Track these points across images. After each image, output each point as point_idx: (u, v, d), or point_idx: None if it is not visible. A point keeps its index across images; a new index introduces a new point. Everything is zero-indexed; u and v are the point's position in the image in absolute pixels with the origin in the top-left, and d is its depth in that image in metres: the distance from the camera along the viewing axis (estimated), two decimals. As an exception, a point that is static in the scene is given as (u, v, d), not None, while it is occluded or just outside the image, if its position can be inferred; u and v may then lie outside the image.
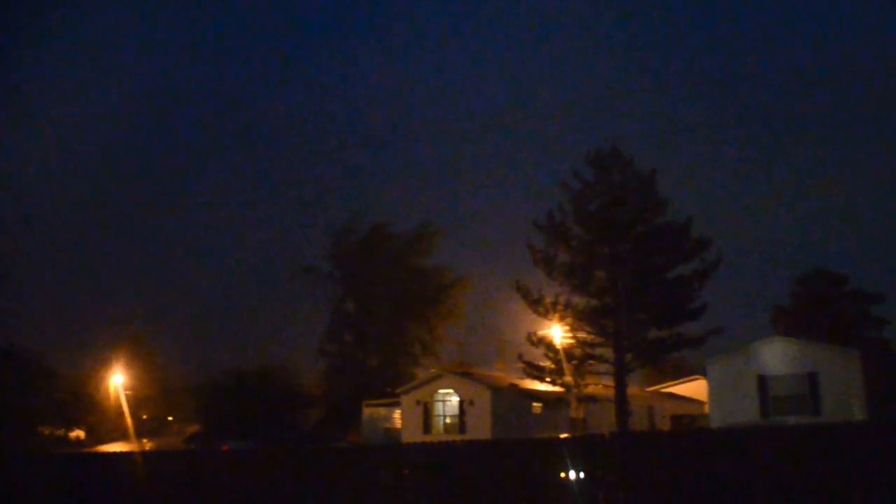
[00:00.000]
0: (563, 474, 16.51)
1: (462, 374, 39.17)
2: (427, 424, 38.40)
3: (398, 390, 40.89)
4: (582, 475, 16.41)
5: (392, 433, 41.32)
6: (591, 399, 33.09)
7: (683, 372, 42.30)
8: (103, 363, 64.17)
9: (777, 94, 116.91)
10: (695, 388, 38.77)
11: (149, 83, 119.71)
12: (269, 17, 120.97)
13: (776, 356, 28.87)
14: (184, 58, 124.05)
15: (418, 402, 38.83)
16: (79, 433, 69.68)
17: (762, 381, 28.54)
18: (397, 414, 41.38)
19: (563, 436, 25.48)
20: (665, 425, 36.85)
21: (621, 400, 31.87)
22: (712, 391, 30.21)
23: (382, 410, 43.49)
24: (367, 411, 44.52)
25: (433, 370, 43.17)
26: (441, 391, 38.48)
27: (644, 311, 32.28)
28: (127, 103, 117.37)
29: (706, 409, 33.18)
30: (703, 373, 32.72)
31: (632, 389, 33.71)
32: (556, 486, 16.79)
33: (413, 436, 37.03)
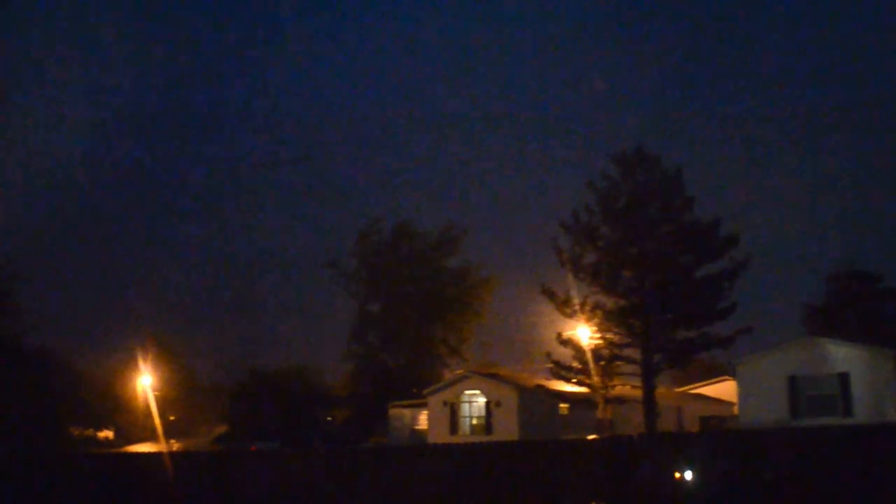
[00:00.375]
0: (677, 474, 16.64)
1: (488, 374, 39.19)
2: (454, 425, 38.47)
3: (425, 391, 40.99)
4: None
5: (418, 434, 41.43)
6: (619, 400, 32.89)
7: (712, 372, 41.91)
8: (131, 364, 65.02)
9: (809, 89, 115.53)
10: (724, 389, 38.43)
11: (173, 77, 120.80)
12: (297, 13, 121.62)
13: (806, 356, 28.61)
14: (215, 55, 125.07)
15: (445, 403, 38.89)
16: (107, 433, 70.67)
17: (792, 382, 28.30)
18: (423, 415, 41.47)
19: (590, 437, 25.43)
20: (694, 427, 36.58)
21: (649, 401, 31.64)
22: (741, 392, 30.00)
23: (408, 411, 43.61)
24: (393, 412, 44.65)
25: (459, 371, 43.25)
26: (467, 392, 38.51)
27: (672, 310, 32.01)
28: (151, 95, 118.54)
29: (735, 410, 32.88)
30: (731, 373, 32.40)
31: (660, 390, 33.46)
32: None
33: (439, 437, 37.14)
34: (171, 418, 70.73)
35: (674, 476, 16.76)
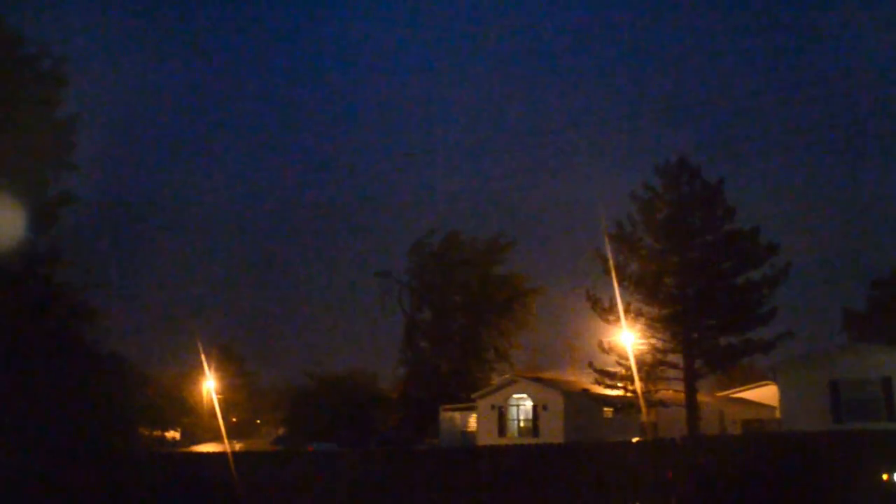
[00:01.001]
0: (885, 475, 16.30)
1: (535, 379, 40.14)
2: (502, 428, 39.60)
3: (474, 395, 42.15)
4: None
5: (468, 437, 42.64)
6: (662, 404, 33.68)
7: (754, 377, 42.26)
8: (196, 368, 67.74)
9: (850, 96, 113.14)
10: (765, 394, 38.78)
11: (231, 90, 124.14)
12: (347, 23, 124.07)
13: (849, 361, 28.91)
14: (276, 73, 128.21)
15: (493, 407, 40.06)
16: (174, 434, 73.53)
17: (834, 387, 28.60)
18: (473, 418, 42.65)
19: (634, 440, 26.41)
20: (736, 430, 37.13)
21: (692, 405, 32.44)
22: (783, 396, 30.38)
23: (458, 414, 44.83)
24: (443, 415, 45.96)
25: (507, 375, 44.25)
26: (515, 396, 39.58)
27: (714, 317, 32.73)
28: (206, 111, 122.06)
29: (777, 414, 33.37)
30: (773, 378, 32.94)
31: (702, 395, 34.13)
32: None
33: (488, 439, 38.30)
34: (234, 420, 73.28)
35: (882, 478, 16.31)
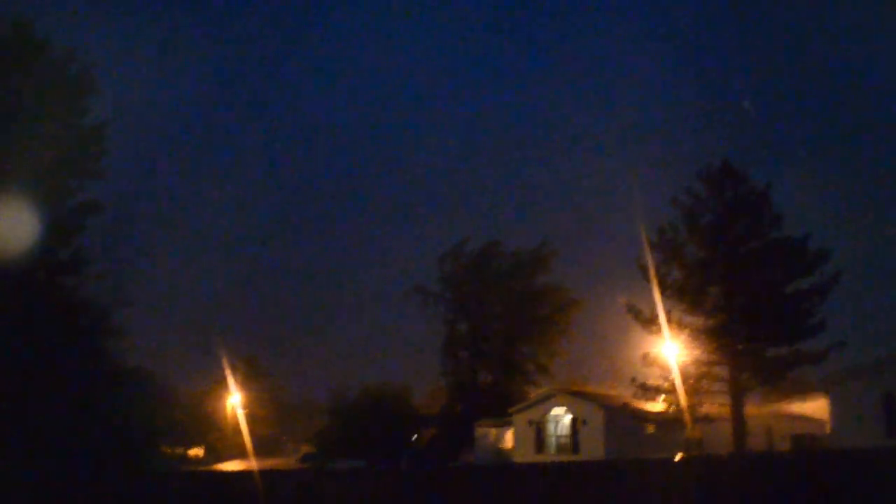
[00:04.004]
0: None
1: (574, 393, 39.16)
2: (539, 444, 38.55)
3: (511, 410, 41.19)
4: None
5: (504, 453, 41.61)
6: (707, 419, 32.47)
7: (804, 390, 40.74)
8: (221, 383, 67.11)
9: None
10: (816, 408, 37.29)
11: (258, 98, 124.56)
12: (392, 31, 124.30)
13: (904, 373, 27.74)
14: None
15: (531, 422, 39.02)
16: (198, 451, 72.88)
17: (888, 400, 27.44)
18: (509, 434, 41.65)
19: (677, 457, 25.24)
20: (784, 446, 35.73)
21: (738, 420, 31.21)
22: (834, 410, 29.26)
23: (494, 430, 43.83)
24: (479, 431, 44.93)
25: (545, 389, 43.33)
26: (553, 411, 38.57)
27: (761, 327, 31.56)
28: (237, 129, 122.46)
29: (828, 428, 32.07)
30: (824, 391, 31.62)
31: (749, 408, 32.91)
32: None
33: (525, 456, 37.30)
34: (260, 435, 72.27)
35: None
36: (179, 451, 67.85)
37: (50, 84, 28.07)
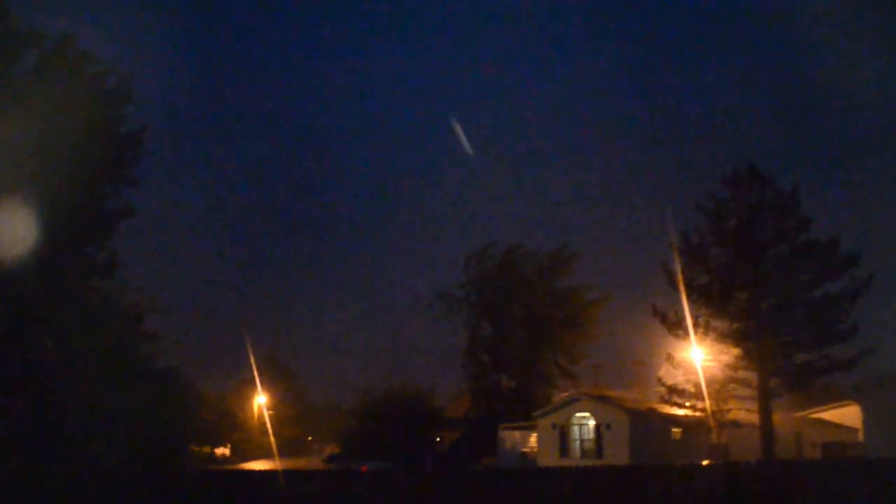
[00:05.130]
0: None
1: (599, 397, 38.89)
2: (563, 448, 38.34)
3: (534, 413, 41.06)
4: None
5: (527, 457, 41.49)
6: (734, 425, 32.16)
7: (835, 397, 40.16)
8: (248, 383, 67.65)
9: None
10: (847, 415, 36.72)
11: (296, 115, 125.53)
12: (414, 37, 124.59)
13: (940, 380, 27.23)
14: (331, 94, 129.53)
15: (554, 426, 38.85)
16: (224, 451, 73.49)
17: (922, 408, 26.96)
18: (533, 437, 41.53)
19: (703, 463, 25.01)
20: (814, 454, 35.23)
21: (766, 426, 30.88)
22: (866, 417, 28.71)
23: (518, 434, 43.73)
24: (502, 434, 44.86)
25: (569, 393, 43.12)
26: (577, 415, 38.35)
27: (790, 332, 31.25)
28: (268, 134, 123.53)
29: (860, 436, 31.56)
30: (856, 398, 31.11)
31: (778, 415, 32.53)
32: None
33: (549, 460, 37.15)
34: (285, 436, 72.70)
35: None
36: (206, 450, 68.45)
37: (89, 93, 28.66)
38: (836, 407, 39.40)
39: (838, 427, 38.36)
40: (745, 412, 32.13)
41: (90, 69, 28.66)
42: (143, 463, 28.74)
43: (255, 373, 57.18)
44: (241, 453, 70.24)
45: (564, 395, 43.18)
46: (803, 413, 41.38)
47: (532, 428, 41.38)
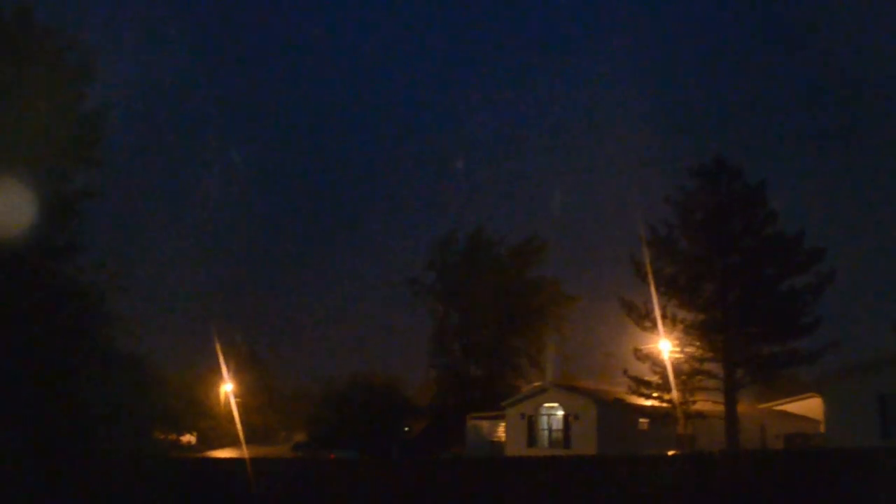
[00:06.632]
0: None
1: (567, 387, 39.04)
2: (531, 438, 38.45)
3: (503, 403, 41.10)
4: None
5: (495, 446, 41.54)
6: (700, 416, 32.43)
7: (798, 389, 40.76)
8: (213, 370, 66.95)
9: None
10: (810, 407, 37.28)
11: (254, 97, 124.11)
12: (379, 22, 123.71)
13: (899, 374, 27.59)
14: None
15: (523, 416, 38.93)
16: (190, 438, 72.75)
17: (883, 401, 27.27)
18: (501, 427, 41.58)
19: (669, 453, 25.15)
20: (777, 444, 35.71)
21: (731, 417, 31.13)
22: (828, 410, 29.08)
23: (486, 423, 43.77)
24: (470, 423, 44.88)
25: (538, 383, 43.21)
26: (546, 405, 38.46)
27: (755, 325, 31.49)
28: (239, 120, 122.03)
29: (822, 428, 32.02)
30: (818, 390, 31.53)
31: (742, 406, 32.86)
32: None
33: (517, 449, 37.25)
34: (252, 424, 72.06)
35: None
36: (172, 437, 67.68)
37: (49, 70, 27.89)
38: (799, 399, 39.99)
39: (801, 419, 38.96)
40: (711, 403, 32.42)
41: (50, 44, 27.85)
42: (104, 449, 28.34)
43: (222, 359, 56.52)
44: (208, 441, 69.58)
45: (534, 385, 43.24)
46: (767, 405, 41.98)
47: (500, 417, 41.43)
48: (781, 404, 41.90)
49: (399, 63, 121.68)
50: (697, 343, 32.00)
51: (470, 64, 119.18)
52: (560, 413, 37.67)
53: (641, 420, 36.27)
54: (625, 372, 33.88)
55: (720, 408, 31.54)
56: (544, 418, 38.53)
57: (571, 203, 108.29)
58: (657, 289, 32.49)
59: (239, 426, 56.15)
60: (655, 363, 32.70)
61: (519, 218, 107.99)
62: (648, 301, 32.51)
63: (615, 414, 35.87)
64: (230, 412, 62.65)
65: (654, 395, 33.01)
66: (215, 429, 70.07)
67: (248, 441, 54.69)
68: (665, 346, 32.54)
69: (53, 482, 24.68)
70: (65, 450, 26.29)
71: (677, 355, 32.34)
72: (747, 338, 31.48)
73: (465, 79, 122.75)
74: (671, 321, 32.01)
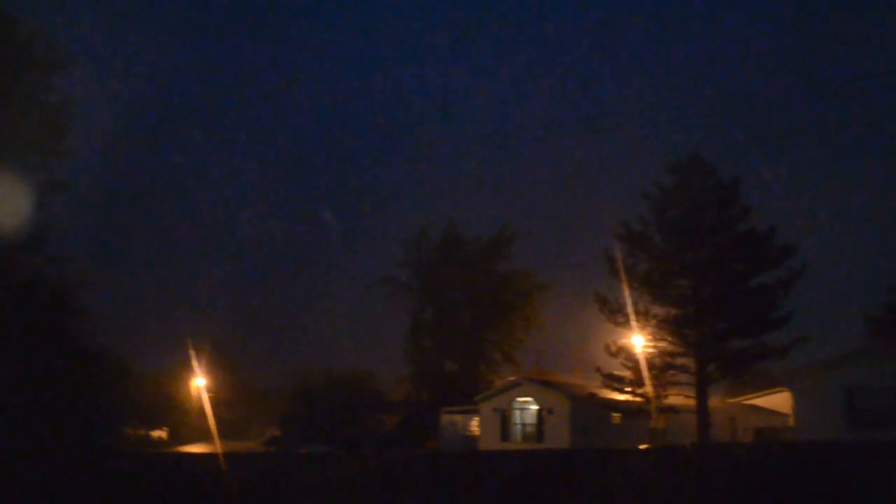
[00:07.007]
0: None
1: (541, 382, 39.18)
2: (505, 432, 38.55)
3: (476, 397, 41.17)
4: None
5: (469, 441, 41.60)
6: (672, 410, 32.71)
7: (767, 383, 41.33)
8: (186, 365, 66.35)
9: (870, 96, 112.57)
10: (779, 401, 37.78)
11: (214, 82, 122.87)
12: (346, 23, 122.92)
13: (865, 368, 28.00)
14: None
15: (496, 410, 39.02)
16: (161, 434, 72.14)
17: (849, 394, 27.75)
18: (475, 421, 41.66)
19: (642, 447, 25.34)
20: (747, 438, 36.14)
21: (702, 411, 31.44)
22: (797, 403, 29.49)
23: (459, 417, 43.82)
24: (444, 418, 44.90)
25: (511, 378, 43.31)
26: (519, 399, 38.58)
27: (727, 320, 31.79)
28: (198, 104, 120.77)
29: (791, 421, 32.47)
30: (787, 384, 31.97)
31: (713, 401, 33.19)
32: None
33: (491, 443, 37.31)
34: (225, 419, 71.56)
35: None
36: (142, 432, 67.07)
37: (15, 60, 27.35)
38: (768, 393, 40.56)
39: (771, 412, 39.46)
40: (682, 398, 32.71)
41: (16, 33, 27.30)
42: (72, 445, 27.92)
43: (194, 355, 55.98)
44: (179, 436, 69.03)
45: (507, 379, 43.34)
46: (738, 399, 42.51)
47: (474, 412, 41.50)
48: (751, 398, 42.46)
49: (372, 62, 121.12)
50: (670, 338, 32.22)
51: (448, 53, 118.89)
52: (533, 407, 37.80)
53: (614, 414, 36.47)
54: (598, 370, 34.06)
55: (692, 402, 31.83)
56: (518, 413, 38.65)
57: (548, 199, 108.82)
58: (631, 284, 32.68)
59: (211, 421, 55.67)
60: (628, 358, 32.90)
61: (496, 215, 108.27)
62: (622, 296, 32.73)
63: (588, 408, 36.05)
64: (202, 407, 62.10)
65: (627, 389, 33.21)
66: (187, 424, 69.53)
67: (221, 436, 54.30)
68: (638, 342, 32.75)
69: (17, 479, 24.23)
70: (29, 446, 25.85)
71: (650, 350, 32.56)
72: (719, 333, 31.78)
73: (442, 71, 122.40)
74: (644, 316, 32.23)
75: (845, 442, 20.80)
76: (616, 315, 32.88)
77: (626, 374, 32.84)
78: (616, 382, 33.11)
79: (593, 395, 36.07)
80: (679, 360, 32.18)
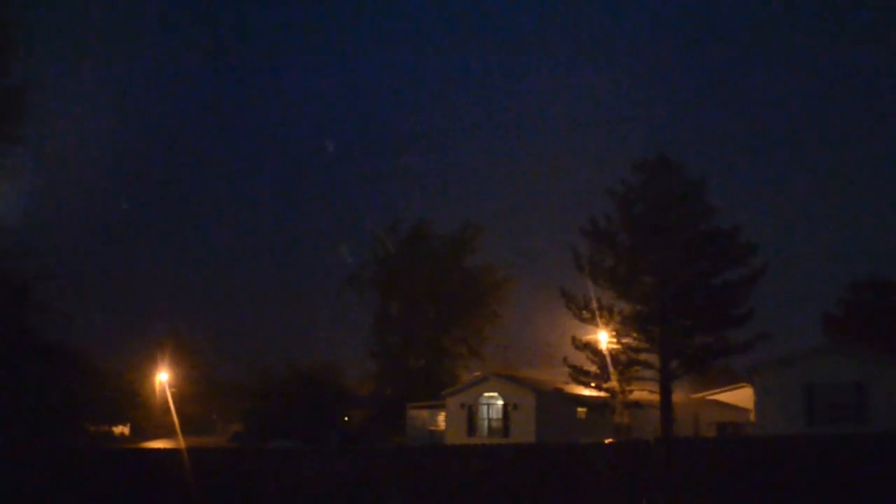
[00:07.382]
0: None
1: (507, 377, 39.24)
2: (471, 427, 38.61)
3: (443, 392, 41.16)
4: None
5: (436, 436, 41.59)
6: (636, 405, 32.99)
7: (730, 379, 41.91)
8: (148, 360, 65.47)
9: (835, 98, 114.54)
10: (741, 396, 38.36)
11: (190, 86, 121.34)
12: (319, 19, 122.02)
13: (823, 365, 28.46)
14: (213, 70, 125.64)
15: (462, 405, 39.05)
16: (123, 429, 71.03)
17: (809, 390, 28.14)
18: (441, 416, 41.64)
19: (606, 441, 25.52)
20: (710, 433, 36.59)
21: (666, 406, 31.76)
22: (758, 399, 29.88)
23: (426, 413, 43.78)
24: (411, 413, 44.82)
25: (478, 373, 43.39)
26: (486, 394, 38.64)
27: (690, 316, 32.13)
28: (172, 111, 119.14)
29: (752, 417, 32.92)
30: (749, 380, 32.42)
31: (677, 396, 33.53)
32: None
33: (457, 438, 37.31)
34: (189, 414, 70.71)
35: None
36: (104, 428, 65.93)
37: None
38: (731, 389, 41.14)
39: (733, 408, 40.01)
40: (647, 393, 33.00)
41: None
42: (31, 442, 27.37)
43: (157, 349, 55.25)
44: (142, 432, 68.05)
45: (474, 375, 43.40)
46: (701, 395, 43.02)
47: (441, 407, 41.49)
48: (714, 394, 43.01)
49: (344, 57, 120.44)
50: (635, 334, 32.48)
51: (416, 48, 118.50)
52: (499, 402, 37.90)
53: (579, 409, 36.71)
54: (565, 360, 34.19)
55: (656, 397, 32.15)
56: (484, 408, 38.74)
57: (515, 196, 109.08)
58: (597, 280, 32.89)
59: (175, 416, 54.98)
60: (594, 353, 33.10)
61: (463, 212, 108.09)
62: (587, 292, 32.93)
63: (554, 403, 36.24)
64: (165, 402, 61.30)
65: (592, 384, 33.41)
66: (150, 419, 68.57)
67: (185, 432, 53.63)
68: (603, 337, 32.96)
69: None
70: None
71: (615, 346, 32.79)
72: (682, 329, 32.09)
73: (411, 71, 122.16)
74: (609, 312, 32.45)
75: (804, 435, 21.11)
76: (582, 311, 33.07)
77: (592, 368, 33.06)
78: (582, 375, 33.28)
79: (559, 390, 36.24)
80: (644, 356, 32.47)
